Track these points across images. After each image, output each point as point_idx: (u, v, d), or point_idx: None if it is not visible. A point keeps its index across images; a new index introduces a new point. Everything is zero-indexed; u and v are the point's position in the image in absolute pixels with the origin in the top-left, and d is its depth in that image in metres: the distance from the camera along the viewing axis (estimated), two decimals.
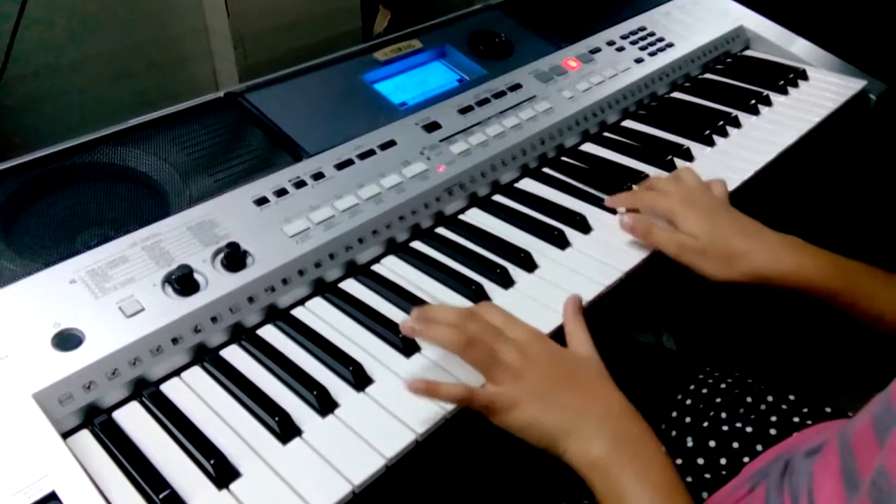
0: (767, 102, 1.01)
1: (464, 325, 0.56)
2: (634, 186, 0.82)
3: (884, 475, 0.36)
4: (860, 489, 0.38)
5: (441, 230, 0.77)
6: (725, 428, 0.66)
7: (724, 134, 0.94)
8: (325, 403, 0.56)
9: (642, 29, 1.08)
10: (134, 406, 0.57)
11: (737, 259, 0.67)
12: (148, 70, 1.08)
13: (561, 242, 0.74)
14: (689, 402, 0.71)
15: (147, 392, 0.57)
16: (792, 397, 0.68)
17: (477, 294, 0.67)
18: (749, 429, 0.65)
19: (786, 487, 0.47)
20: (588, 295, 0.67)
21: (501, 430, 0.55)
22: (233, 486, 0.50)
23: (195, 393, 0.58)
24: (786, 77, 1.05)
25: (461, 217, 0.79)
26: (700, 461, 0.65)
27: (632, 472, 0.49)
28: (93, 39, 1.00)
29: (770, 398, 0.68)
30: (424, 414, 0.55)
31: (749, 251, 0.67)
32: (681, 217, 0.70)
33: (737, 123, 0.96)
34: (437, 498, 0.73)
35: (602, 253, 0.73)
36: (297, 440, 0.54)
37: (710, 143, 0.92)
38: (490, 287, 0.68)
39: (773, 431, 0.64)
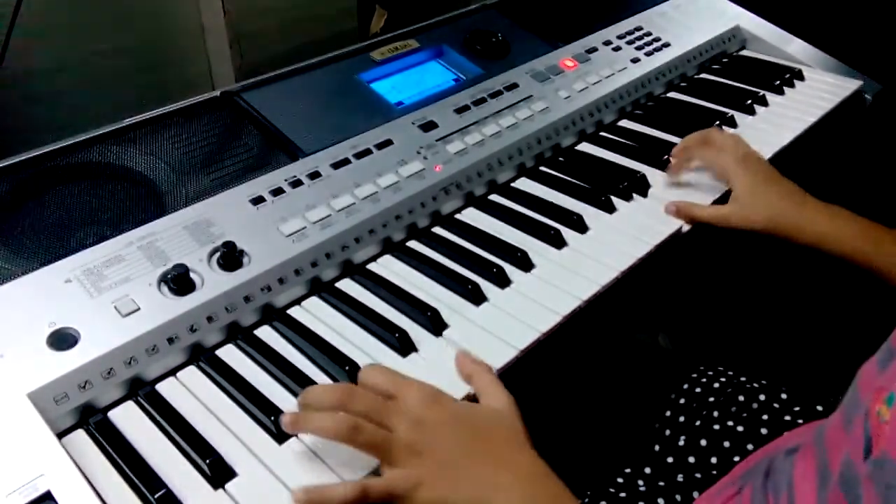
0: (763, 102, 1.01)
1: (346, 404, 0.49)
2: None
3: (849, 464, 0.36)
4: (829, 482, 0.38)
5: (438, 230, 0.77)
6: (717, 427, 0.66)
7: None
8: None
9: (639, 29, 1.08)
10: (129, 406, 0.57)
11: (776, 217, 0.74)
12: (144, 69, 1.08)
13: (557, 242, 0.74)
14: (682, 400, 0.71)
15: (143, 392, 0.57)
16: (784, 396, 0.68)
17: (473, 293, 0.67)
18: (740, 428, 0.65)
19: (769, 487, 0.47)
20: (584, 294, 0.67)
21: None
22: (228, 485, 0.50)
23: (191, 392, 0.58)
24: (782, 77, 1.06)
25: (458, 217, 0.79)
26: (691, 460, 0.65)
27: None
28: (89, 39, 1.00)
29: (762, 397, 0.68)
30: None
31: (787, 212, 0.73)
32: (734, 176, 0.77)
33: (733, 123, 0.96)
34: None
35: (598, 252, 0.73)
36: (293, 440, 0.54)
37: None
38: (486, 286, 0.68)
39: (764, 431, 0.64)
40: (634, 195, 0.82)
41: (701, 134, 0.84)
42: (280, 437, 0.54)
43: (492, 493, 0.47)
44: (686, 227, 0.77)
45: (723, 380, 0.72)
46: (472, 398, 0.56)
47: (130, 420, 0.55)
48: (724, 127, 0.95)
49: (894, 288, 0.70)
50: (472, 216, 0.79)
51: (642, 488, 0.65)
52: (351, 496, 0.46)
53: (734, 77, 1.08)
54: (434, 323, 0.63)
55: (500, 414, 0.52)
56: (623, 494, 0.64)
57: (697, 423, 0.68)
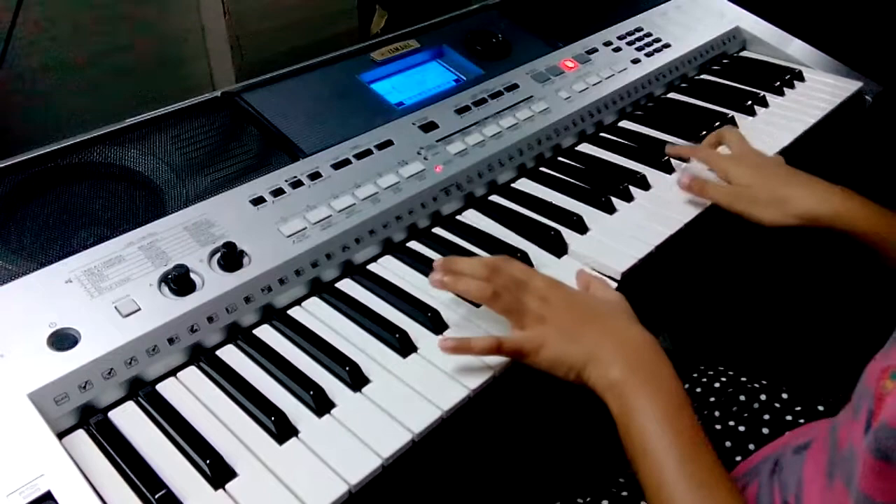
0: (764, 103, 1.01)
1: (489, 277, 0.60)
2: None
3: (851, 447, 0.37)
4: (835, 474, 0.39)
5: (438, 230, 0.77)
6: (718, 427, 0.66)
7: None
8: (321, 403, 0.56)
9: (639, 30, 1.08)
10: (130, 406, 0.57)
11: (787, 202, 0.73)
12: (145, 70, 1.08)
13: (558, 243, 0.74)
14: None
15: (143, 392, 0.57)
16: (785, 396, 0.68)
17: None
18: (742, 427, 0.65)
19: (776, 484, 0.47)
20: None
21: (500, 429, 0.55)
22: (229, 485, 0.50)
23: (191, 393, 0.58)
24: (782, 78, 1.06)
25: (458, 217, 0.79)
26: None
27: (644, 393, 0.53)
28: (89, 39, 1.00)
29: (763, 397, 0.68)
30: (421, 414, 0.55)
31: (798, 195, 0.73)
32: (734, 172, 0.78)
33: (733, 124, 0.96)
34: (434, 498, 0.73)
35: (598, 253, 0.73)
36: (293, 440, 0.54)
37: None
38: None
39: (765, 430, 0.64)
40: (635, 196, 0.82)
41: (714, 135, 0.86)
42: (280, 437, 0.54)
43: (598, 351, 0.56)
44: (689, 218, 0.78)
45: (724, 380, 0.72)
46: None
47: (131, 420, 0.55)
48: (737, 133, 0.95)
49: None
50: (472, 217, 0.79)
51: None
52: (488, 348, 0.57)
53: (734, 78, 1.08)
54: (434, 323, 0.63)
55: (610, 301, 0.63)
56: (625, 493, 0.64)
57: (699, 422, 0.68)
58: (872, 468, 0.34)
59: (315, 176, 0.74)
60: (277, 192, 0.71)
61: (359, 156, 0.77)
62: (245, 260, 0.65)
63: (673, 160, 0.87)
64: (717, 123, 0.95)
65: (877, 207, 0.71)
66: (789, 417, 0.65)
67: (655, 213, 0.79)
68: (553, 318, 0.59)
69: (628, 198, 0.81)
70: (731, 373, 0.73)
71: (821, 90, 1.05)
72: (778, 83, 1.04)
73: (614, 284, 0.70)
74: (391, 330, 0.62)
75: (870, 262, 0.71)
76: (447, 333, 0.63)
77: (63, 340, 0.56)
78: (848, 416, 0.41)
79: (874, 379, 0.38)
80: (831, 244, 0.72)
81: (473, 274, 0.60)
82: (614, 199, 0.80)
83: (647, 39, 1.07)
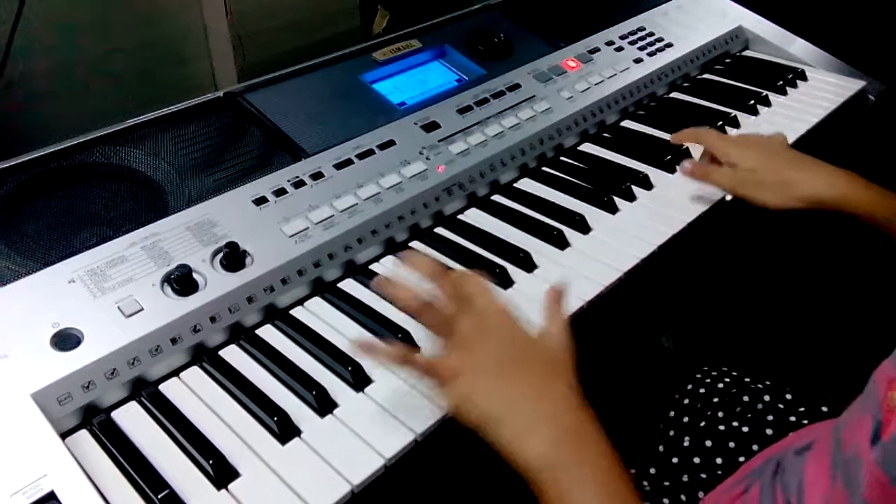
0: (766, 103, 1.01)
1: (436, 279, 0.55)
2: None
3: (854, 452, 0.36)
4: (838, 478, 0.39)
5: (440, 230, 0.77)
6: (722, 427, 0.66)
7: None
8: (324, 403, 0.56)
9: (641, 29, 1.08)
10: (133, 406, 0.57)
11: (792, 185, 0.72)
12: (147, 70, 1.08)
13: (560, 243, 0.74)
14: (686, 401, 0.71)
15: (146, 392, 0.57)
16: (789, 397, 0.68)
17: None
18: (745, 428, 0.65)
19: (778, 486, 0.47)
20: (587, 295, 0.67)
21: None
22: (232, 486, 0.50)
23: (194, 393, 0.58)
24: (785, 77, 1.05)
25: (460, 217, 0.79)
26: (696, 460, 0.65)
27: (572, 474, 0.46)
28: (92, 39, 1.00)
29: (767, 398, 0.68)
30: (424, 414, 0.55)
31: (803, 178, 0.72)
32: (739, 157, 0.76)
33: (736, 124, 0.96)
34: (437, 498, 0.73)
35: (601, 253, 0.73)
36: (296, 440, 0.54)
37: None
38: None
39: (769, 431, 0.64)
40: (637, 196, 0.82)
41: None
42: (283, 437, 0.54)
43: (514, 411, 0.49)
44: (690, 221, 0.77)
45: (727, 380, 0.72)
46: None
47: (134, 420, 0.55)
48: (726, 127, 0.95)
49: None
50: (474, 217, 0.79)
51: (647, 488, 0.65)
52: (394, 355, 0.53)
53: (737, 77, 1.08)
54: None
55: (552, 349, 0.54)
56: None
57: (702, 423, 0.68)
58: (879, 480, 0.34)
59: (317, 176, 0.74)
60: (280, 192, 0.71)
61: (361, 156, 0.77)
62: (247, 260, 0.65)
63: (678, 141, 0.86)
64: (720, 123, 0.95)
65: (882, 190, 0.71)
66: (793, 418, 0.65)
67: (658, 212, 0.79)
68: (479, 350, 0.51)
69: (631, 197, 0.81)
70: (734, 373, 0.73)
71: (824, 89, 1.04)
72: (781, 82, 1.04)
73: (616, 277, 0.69)
74: (394, 330, 0.62)
75: (878, 245, 0.70)
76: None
77: (66, 340, 0.56)
78: (853, 417, 0.41)
79: (883, 387, 0.38)
80: (833, 243, 0.72)
81: (421, 270, 0.56)
82: (617, 199, 0.80)
83: (649, 39, 1.07)
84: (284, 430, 0.54)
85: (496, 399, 0.49)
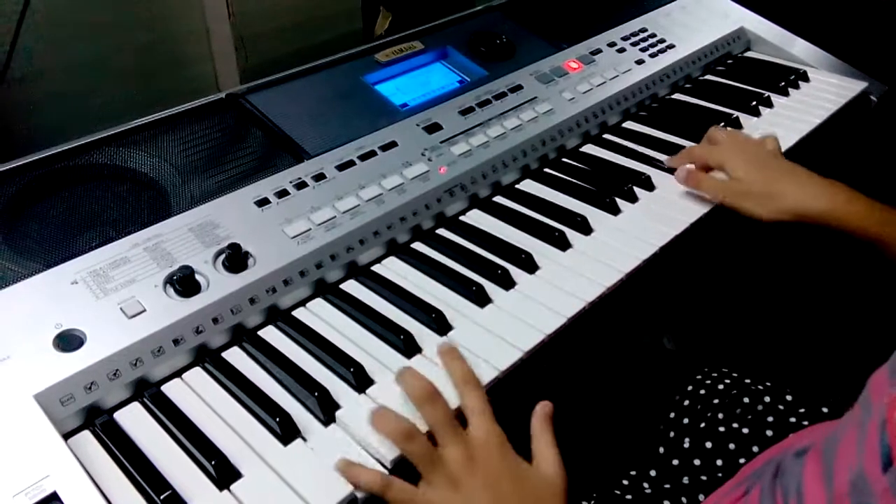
0: (768, 104, 1.01)
1: (424, 406, 0.52)
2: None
3: (862, 475, 0.36)
4: (833, 489, 0.38)
5: (442, 231, 0.77)
6: (722, 429, 0.66)
7: None
8: (326, 405, 0.56)
9: (643, 30, 1.08)
10: (135, 407, 0.57)
11: (777, 198, 0.73)
12: (149, 71, 1.08)
13: (562, 244, 0.74)
14: (686, 403, 0.71)
15: (148, 393, 0.57)
16: (789, 398, 0.68)
17: (478, 295, 0.67)
18: (746, 430, 0.65)
19: (778, 488, 0.47)
20: (589, 296, 0.67)
21: (503, 428, 0.54)
22: (234, 486, 0.50)
23: (196, 394, 0.58)
24: (787, 78, 1.05)
25: (462, 218, 0.79)
26: (696, 462, 0.65)
27: None
28: (94, 41, 1.00)
29: (767, 399, 0.68)
30: None
31: (788, 191, 0.73)
32: (730, 164, 0.77)
33: (738, 125, 0.96)
34: None
35: (603, 254, 0.73)
36: (298, 441, 0.54)
37: None
38: (491, 288, 0.68)
39: (769, 433, 0.64)
40: (639, 197, 0.82)
41: (705, 137, 0.85)
42: (285, 438, 0.54)
43: None
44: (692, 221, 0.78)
45: (727, 381, 0.72)
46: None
47: (136, 421, 0.56)
48: (728, 129, 0.95)
49: None
50: (476, 218, 0.80)
51: (647, 490, 0.65)
52: (375, 486, 0.48)
53: (739, 79, 1.08)
54: (438, 324, 0.63)
55: (550, 481, 0.51)
56: (629, 497, 0.64)
57: (702, 425, 0.68)
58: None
59: (319, 177, 0.74)
60: (282, 194, 0.71)
61: (363, 157, 0.77)
62: (250, 261, 0.65)
63: (676, 164, 0.86)
64: (722, 124, 0.95)
65: (871, 203, 0.71)
66: (793, 420, 0.65)
67: (660, 213, 0.79)
68: (467, 488, 0.48)
69: (633, 199, 0.81)
70: (734, 375, 0.73)
71: (826, 90, 1.04)
72: (783, 84, 1.04)
73: (618, 278, 0.69)
74: (395, 331, 0.62)
75: (870, 258, 0.70)
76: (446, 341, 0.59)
77: (69, 341, 0.56)
78: (848, 430, 0.40)
79: (880, 400, 0.37)
80: (834, 245, 0.71)
81: (411, 392, 0.52)
82: (619, 200, 0.80)
83: (651, 40, 1.07)
84: (286, 431, 0.54)
85: None
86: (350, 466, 0.50)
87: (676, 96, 1.05)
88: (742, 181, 0.75)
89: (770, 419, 0.66)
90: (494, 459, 0.50)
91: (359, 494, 0.50)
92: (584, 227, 0.76)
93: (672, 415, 0.70)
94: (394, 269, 0.72)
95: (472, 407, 0.53)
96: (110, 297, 0.60)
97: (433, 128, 0.83)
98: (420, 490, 0.49)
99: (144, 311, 0.59)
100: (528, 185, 0.85)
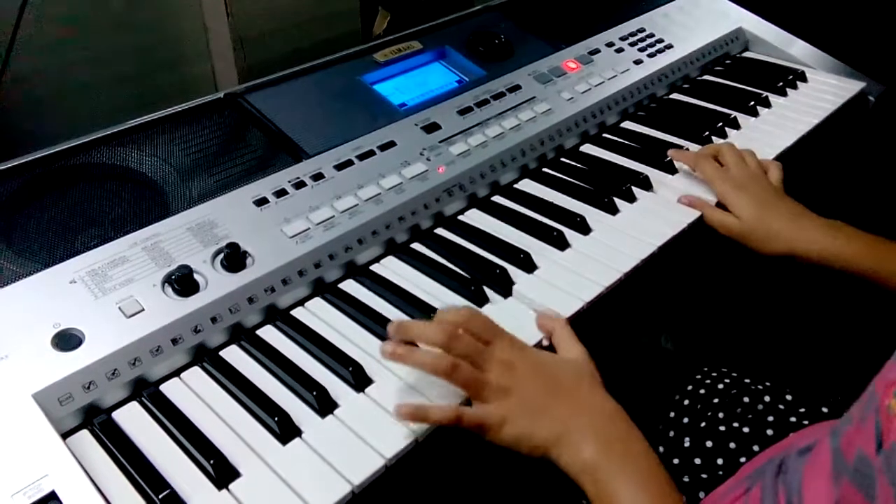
0: (766, 104, 1.01)
1: (448, 344, 0.55)
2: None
3: (862, 458, 0.36)
4: (843, 476, 0.39)
5: (440, 231, 0.77)
6: (722, 428, 0.66)
7: (723, 135, 0.94)
8: (324, 404, 0.56)
9: (641, 30, 1.08)
10: (134, 406, 0.57)
11: (775, 239, 0.75)
12: (148, 71, 1.08)
13: (560, 243, 0.74)
14: (686, 402, 0.71)
15: (147, 392, 0.57)
16: (789, 397, 0.68)
17: (476, 295, 0.67)
18: (746, 429, 0.65)
19: (780, 486, 0.47)
20: (587, 296, 0.67)
21: None
22: (232, 486, 0.50)
23: (195, 393, 0.58)
24: (785, 79, 1.06)
25: (461, 218, 0.79)
26: (697, 461, 0.65)
27: (621, 473, 0.51)
28: (93, 41, 1.00)
29: (767, 398, 0.68)
30: None
31: (786, 232, 0.75)
32: (732, 201, 0.79)
33: (736, 125, 0.96)
34: (438, 498, 0.73)
35: (601, 254, 0.73)
36: (296, 440, 0.54)
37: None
38: (489, 288, 0.68)
39: (769, 432, 0.64)
40: (637, 197, 0.82)
41: (714, 147, 0.85)
42: (284, 437, 0.54)
43: (567, 429, 0.53)
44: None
45: (727, 381, 0.72)
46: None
47: (134, 420, 0.56)
48: (726, 128, 0.95)
49: None
50: (474, 217, 0.80)
51: None
52: (446, 419, 0.53)
53: (737, 79, 1.08)
54: None
55: (576, 363, 0.59)
56: None
57: (702, 424, 0.68)
58: (885, 489, 0.34)
59: (318, 177, 0.74)
60: (280, 193, 0.71)
61: (361, 157, 0.77)
62: (248, 261, 0.65)
63: (676, 161, 0.86)
64: (720, 124, 0.95)
65: (867, 238, 0.73)
66: (793, 419, 0.65)
67: (658, 213, 0.79)
68: (517, 389, 0.55)
69: (631, 198, 0.81)
70: (734, 374, 0.73)
71: (824, 91, 1.05)
72: (781, 84, 1.04)
73: (616, 278, 0.69)
74: None
75: (871, 291, 0.72)
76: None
77: (67, 341, 0.56)
78: (853, 424, 0.41)
79: (881, 388, 0.38)
80: None
81: (429, 340, 0.56)
82: (617, 200, 0.80)
83: (649, 40, 1.07)
84: (285, 430, 0.54)
85: (546, 429, 0.53)
86: (417, 409, 0.54)
87: (675, 96, 1.05)
88: (743, 220, 0.77)
89: (770, 419, 0.66)
90: (528, 364, 0.57)
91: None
92: (582, 226, 0.76)
93: (672, 414, 0.70)
94: (392, 269, 0.72)
95: (482, 332, 0.58)
96: (109, 296, 0.59)
97: (432, 127, 0.83)
98: (486, 409, 0.54)
99: (143, 310, 0.59)
100: (527, 185, 0.85)
